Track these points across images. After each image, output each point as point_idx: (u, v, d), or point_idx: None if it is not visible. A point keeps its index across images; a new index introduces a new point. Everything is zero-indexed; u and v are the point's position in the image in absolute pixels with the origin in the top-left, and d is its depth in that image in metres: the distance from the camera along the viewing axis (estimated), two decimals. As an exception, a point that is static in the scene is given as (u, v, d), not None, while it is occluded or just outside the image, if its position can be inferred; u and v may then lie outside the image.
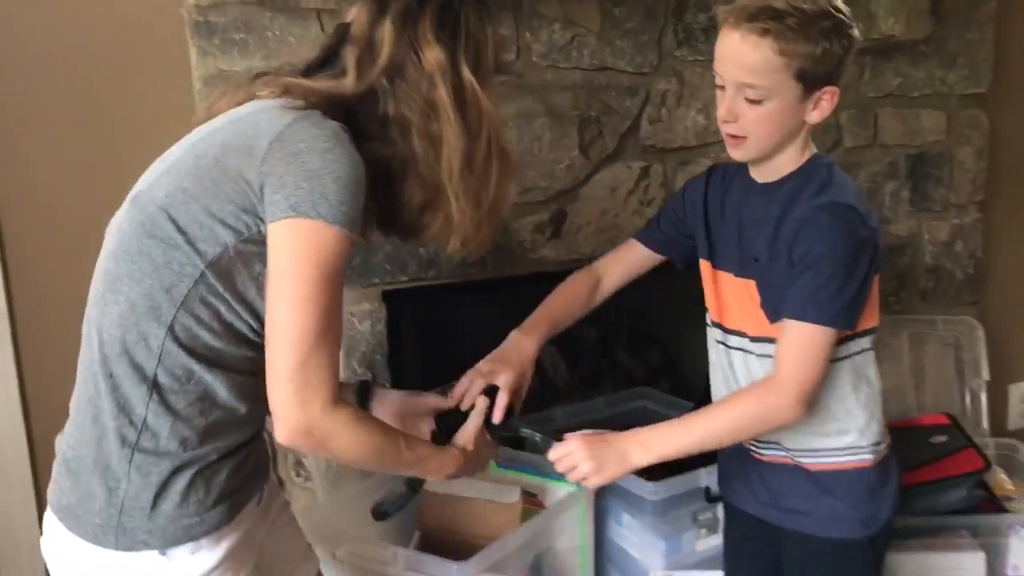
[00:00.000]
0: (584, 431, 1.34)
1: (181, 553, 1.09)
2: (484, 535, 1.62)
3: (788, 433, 1.36)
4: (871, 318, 1.35)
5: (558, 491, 1.80)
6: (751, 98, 1.26)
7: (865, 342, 1.36)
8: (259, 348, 1.07)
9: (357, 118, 1.12)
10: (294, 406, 1.03)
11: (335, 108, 1.11)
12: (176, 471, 1.08)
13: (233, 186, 1.04)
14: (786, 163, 1.34)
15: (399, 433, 1.19)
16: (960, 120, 2.31)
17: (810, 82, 1.26)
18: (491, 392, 1.39)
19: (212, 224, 1.05)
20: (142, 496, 1.07)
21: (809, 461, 1.37)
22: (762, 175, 1.36)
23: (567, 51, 1.94)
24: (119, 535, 1.07)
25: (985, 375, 2.29)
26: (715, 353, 1.46)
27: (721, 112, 1.30)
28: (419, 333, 2.04)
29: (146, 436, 1.07)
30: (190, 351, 1.07)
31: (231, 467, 1.13)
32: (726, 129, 1.32)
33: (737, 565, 1.56)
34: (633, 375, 2.46)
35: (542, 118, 1.94)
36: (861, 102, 2.21)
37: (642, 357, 2.49)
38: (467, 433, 1.32)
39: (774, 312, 1.31)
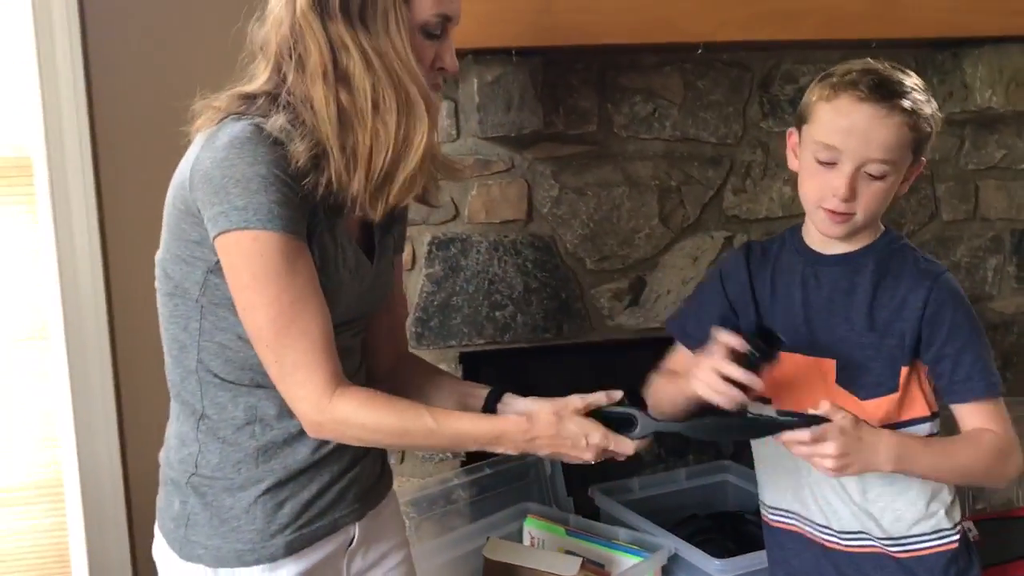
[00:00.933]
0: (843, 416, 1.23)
1: (231, 573, 1.15)
2: (543, 604, 1.62)
3: (879, 520, 1.32)
4: None
5: (625, 562, 1.79)
6: (875, 174, 1.23)
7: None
8: None
9: (283, 104, 1.10)
10: (295, 406, 1.10)
11: (254, 104, 1.11)
12: (231, 495, 1.15)
13: (185, 223, 1.11)
14: (864, 236, 1.31)
15: (422, 407, 1.15)
16: (1070, 193, 2.20)
17: (918, 152, 1.26)
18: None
19: (184, 264, 1.12)
20: (202, 515, 1.16)
21: (897, 549, 1.32)
22: (834, 246, 1.31)
23: (648, 122, 1.97)
24: (183, 544, 1.17)
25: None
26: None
27: (842, 191, 1.23)
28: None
29: (203, 462, 1.16)
30: (223, 378, 1.15)
31: (295, 495, 1.17)
32: (839, 208, 1.25)
33: None
34: (717, 448, 2.41)
35: (621, 187, 1.97)
36: (961, 175, 2.14)
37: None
38: (541, 406, 1.21)
39: (868, 388, 1.29)
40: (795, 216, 2.08)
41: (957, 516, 1.34)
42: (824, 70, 1.86)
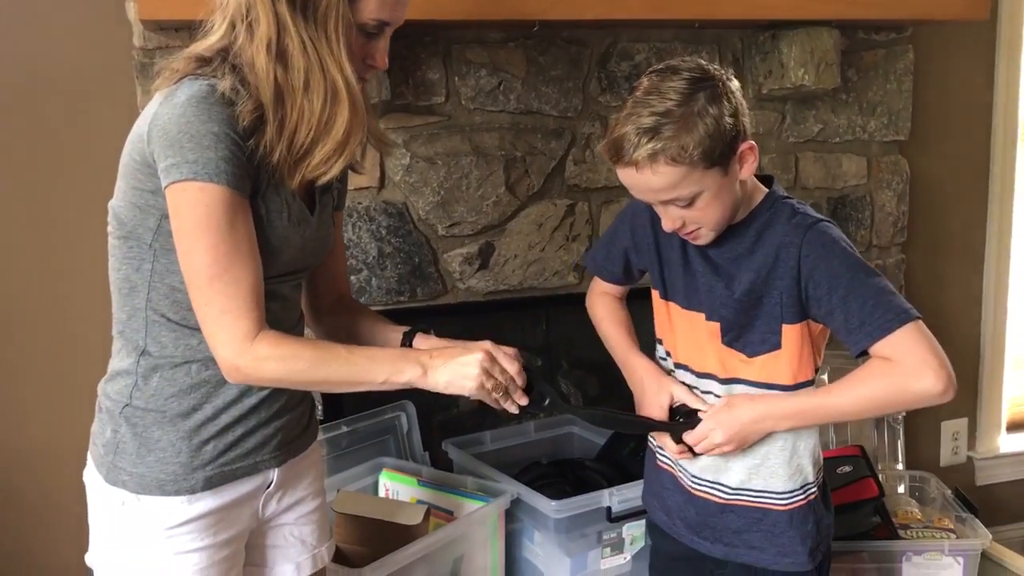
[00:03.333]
0: (710, 405, 1.39)
1: (152, 501, 1.23)
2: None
3: (752, 479, 1.40)
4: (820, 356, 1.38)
5: (471, 507, 1.90)
6: (682, 205, 1.27)
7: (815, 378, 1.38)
8: None
9: (232, 65, 1.19)
10: (217, 350, 1.18)
11: (209, 66, 1.19)
12: (160, 427, 1.23)
13: (142, 173, 1.19)
14: (742, 212, 1.34)
15: (337, 345, 1.24)
16: (881, 165, 2.42)
17: (722, 159, 1.24)
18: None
19: (139, 211, 1.20)
20: (131, 444, 1.24)
21: (770, 503, 1.39)
22: None
23: (494, 95, 2.07)
24: (109, 469, 1.24)
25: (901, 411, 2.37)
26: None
27: (666, 225, 1.32)
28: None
29: (137, 394, 1.24)
30: (169, 319, 1.23)
31: (221, 435, 1.25)
32: (679, 233, 1.32)
33: None
34: (571, 403, 2.56)
35: (470, 157, 2.07)
36: (783, 147, 2.32)
37: (580, 384, 2.59)
38: (448, 346, 1.32)
39: (755, 346, 1.35)
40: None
41: (819, 469, 1.41)
42: (657, 48, 1.98)
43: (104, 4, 1.90)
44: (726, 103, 1.25)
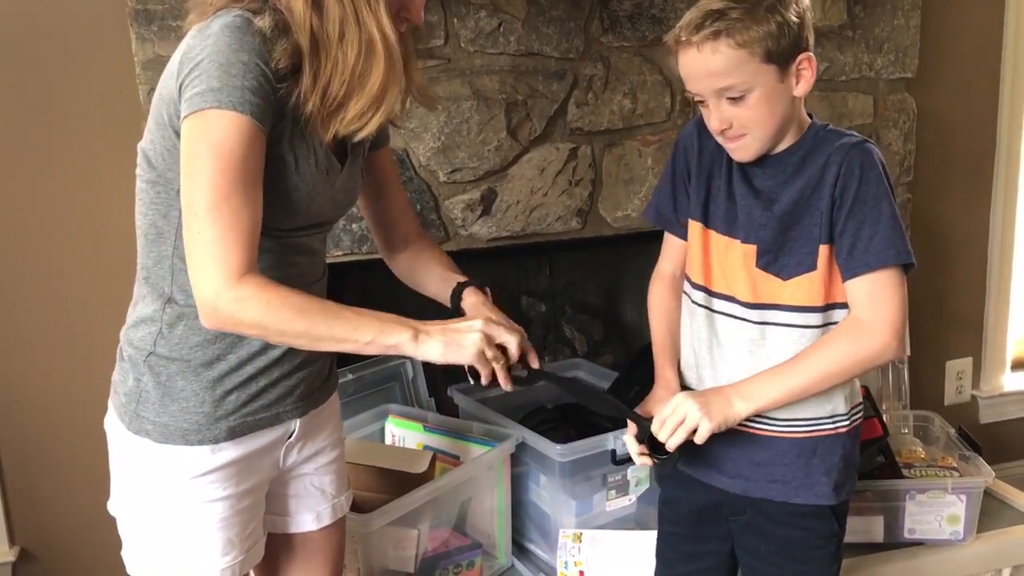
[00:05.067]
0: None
1: (175, 450, 1.23)
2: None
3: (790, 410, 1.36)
4: None
5: (477, 452, 1.92)
6: (733, 97, 1.28)
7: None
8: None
9: (271, 7, 1.17)
10: (199, 287, 1.12)
11: (244, 1, 1.16)
12: (183, 377, 1.23)
13: (173, 111, 1.16)
14: (790, 139, 1.34)
15: (327, 300, 1.21)
16: (887, 104, 2.39)
17: (780, 59, 1.27)
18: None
19: (169, 155, 1.17)
20: (154, 392, 1.23)
21: (793, 431, 1.38)
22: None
23: (494, 37, 2.04)
24: (132, 418, 1.24)
25: (906, 350, 2.37)
26: (695, 320, 1.44)
27: (713, 125, 1.32)
28: (362, 302, 2.15)
29: (161, 342, 1.23)
30: None
31: (244, 386, 1.25)
32: (723, 138, 1.33)
33: (686, 554, 1.52)
34: (575, 348, 2.57)
35: (470, 101, 2.04)
36: (788, 86, 2.29)
37: (584, 329, 2.59)
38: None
39: (789, 268, 1.33)
40: (635, 127, 2.21)
41: (853, 402, 1.39)
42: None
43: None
44: (794, 6, 1.29)
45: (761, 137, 1.32)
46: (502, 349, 1.25)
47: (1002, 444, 2.81)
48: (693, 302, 1.44)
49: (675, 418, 1.32)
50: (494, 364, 1.23)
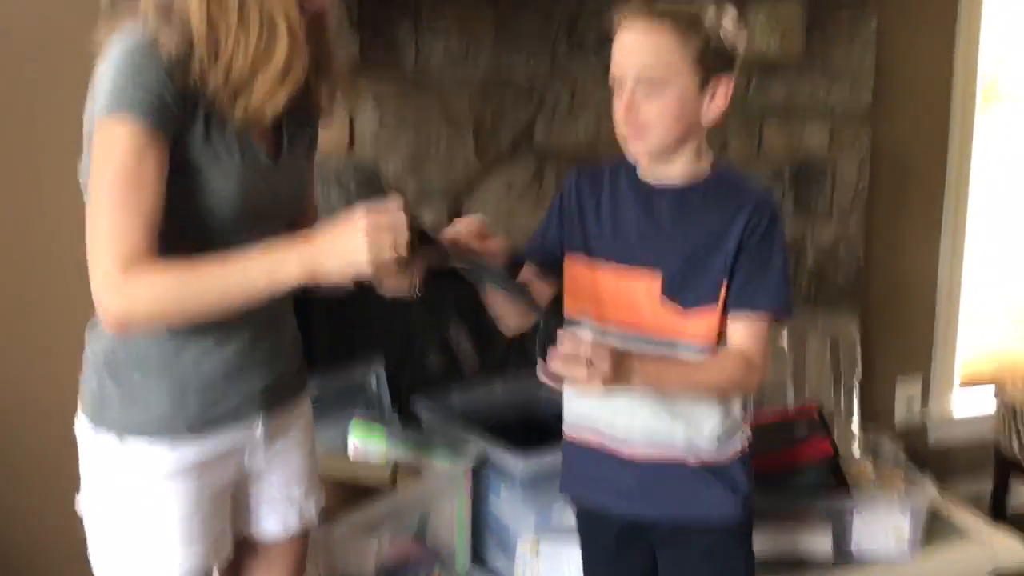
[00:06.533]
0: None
1: (138, 447, 1.25)
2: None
3: (680, 427, 1.40)
4: None
5: (439, 464, 1.95)
6: (651, 86, 1.31)
7: None
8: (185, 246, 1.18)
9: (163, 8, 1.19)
10: (96, 285, 1.15)
11: (145, 15, 1.19)
12: (143, 375, 1.25)
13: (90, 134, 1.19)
14: (688, 165, 1.38)
15: (209, 261, 1.17)
16: (843, 133, 2.47)
17: (705, 68, 1.32)
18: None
19: None
20: (115, 392, 1.25)
21: (698, 454, 1.41)
22: (661, 176, 1.40)
23: (463, 57, 2.08)
24: (96, 418, 1.28)
25: (858, 372, 2.45)
26: None
27: (620, 109, 1.34)
28: (327, 312, 2.16)
29: (119, 346, 1.25)
30: None
31: (201, 382, 1.26)
32: (627, 123, 1.34)
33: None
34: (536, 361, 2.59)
35: (439, 119, 2.08)
36: (748, 113, 2.36)
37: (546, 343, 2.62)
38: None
39: (689, 299, 1.38)
40: (601, 146, 2.26)
41: (745, 419, 1.46)
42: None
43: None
44: (735, 31, 1.36)
45: (662, 137, 1.35)
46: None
47: (950, 463, 2.89)
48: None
49: (576, 358, 1.23)
50: (395, 258, 1.13)
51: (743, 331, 1.38)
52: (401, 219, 1.15)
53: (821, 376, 2.47)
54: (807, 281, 2.52)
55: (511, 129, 2.16)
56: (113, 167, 1.14)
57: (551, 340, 1.24)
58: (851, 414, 2.43)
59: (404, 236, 1.14)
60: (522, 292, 1.36)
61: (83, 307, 1.36)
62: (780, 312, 1.40)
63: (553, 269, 1.49)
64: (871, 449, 2.32)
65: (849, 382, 2.45)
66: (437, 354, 2.29)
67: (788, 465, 2.03)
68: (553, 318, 1.34)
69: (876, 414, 2.75)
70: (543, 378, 1.27)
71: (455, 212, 2.15)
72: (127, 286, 1.14)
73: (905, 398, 2.85)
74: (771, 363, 2.07)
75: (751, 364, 1.38)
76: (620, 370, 1.26)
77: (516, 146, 2.17)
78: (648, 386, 1.34)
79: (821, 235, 2.51)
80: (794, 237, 2.47)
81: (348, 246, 1.14)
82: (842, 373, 2.46)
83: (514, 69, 2.13)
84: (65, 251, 1.94)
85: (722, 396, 1.41)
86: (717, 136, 2.29)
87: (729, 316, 1.38)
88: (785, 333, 2.42)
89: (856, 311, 2.57)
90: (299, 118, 1.33)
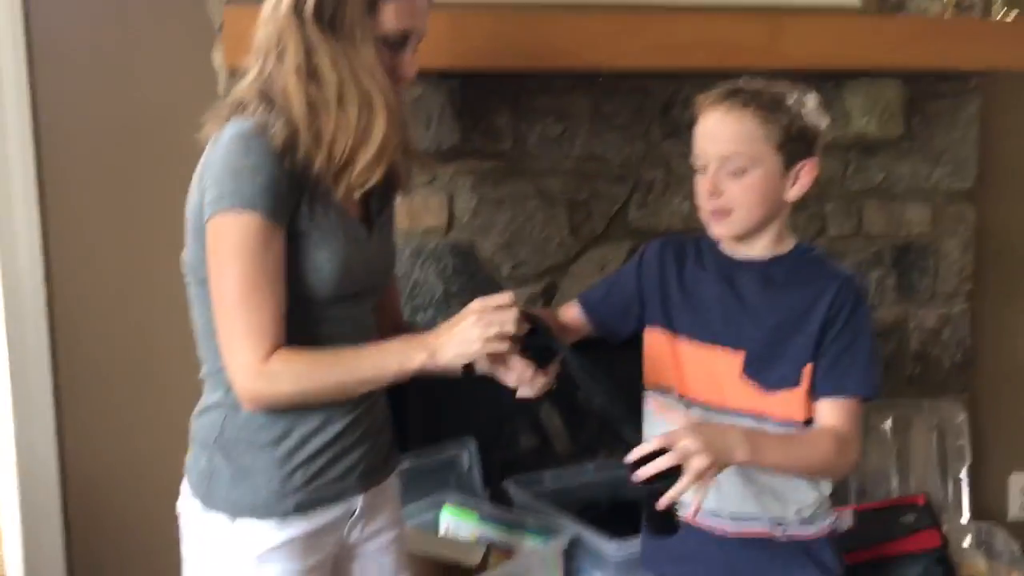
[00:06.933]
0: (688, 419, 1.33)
1: (246, 525, 1.29)
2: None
3: (773, 501, 1.40)
4: None
5: (531, 545, 1.93)
6: (734, 168, 1.34)
7: None
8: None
9: (266, 97, 1.26)
10: (234, 375, 1.23)
11: (247, 106, 1.26)
12: (252, 455, 1.29)
13: (199, 219, 1.25)
14: (770, 244, 1.41)
15: (342, 348, 1.26)
16: (946, 214, 2.41)
17: (789, 153, 1.35)
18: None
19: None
20: (226, 471, 1.30)
21: (786, 530, 1.40)
22: (747, 253, 1.42)
23: (559, 141, 2.13)
24: (205, 496, 1.32)
25: (967, 460, 2.34)
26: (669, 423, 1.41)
27: (705, 188, 1.37)
28: (422, 391, 2.19)
29: (228, 424, 1.30)
30: None
31: (309, 462, 1.30)
32: (710, 206, 1.37)
33: None
34: (632, 445, 2.56)
35: (535, 200, 2.13)
36: (846, 195, 2.33)
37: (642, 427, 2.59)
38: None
39: (772, 379, 1.37)
40: (693, 229, 2.25)
41: (830, 496, 1.44)
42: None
43: (191, 54, 2.00)
44: (815, 118, 1.39)
45: (745, 219, 1.37)
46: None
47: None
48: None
49: (669, 441, 1.19)
50: (502, 346, 1.22)
51: (834, 413, 1.36)
52: (512, 313, 1.24)
53: (927, 464, 2.37)
54: (911, 365, 2.44)
55: (605, 210, 2.18)
56: (240, 262, 1.20)
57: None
58: (960, 506, 2.31)
59: (511, 328, 1.23)
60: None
61: (185, 391, 1.44)
62: (868, 395, 1.38)
63: (594, 322, 1.53)
64: (983, 544, 2.21)
65: (957, 472, 2.34)
66: (529, 434, 2.29)
67: (894, 555, 1.95)
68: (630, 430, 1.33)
69: (987, 507, 2.61)
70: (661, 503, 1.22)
71: (550, 291, 2.17)
72: (269, 372, 1.22)
73: (1019, 491, 2.70)
74: (874, 449, 2.03)
75: (845, 444, 1.35)
76: (720, 444, 1.23)
77: (610, 226, 2.19)
78: (751, 461, 1.28)
79: (925, 317, 2.44)
80: (897, 319, 2.41)
81: (463, 335, 1.23)
82: (949, 462, 2.36)
83: (608, 151, 2.17)
84: (168, 335, 2.06)
85: (816, 475, 1.39)
86: (815, 219, 2.30)
87: (818, 400, 1.37)
88: (890, 420, 2.34)
89: (964, 398, 2.47)
90: (382, 191, 1.38)
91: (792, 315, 1.37)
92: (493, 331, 1.22)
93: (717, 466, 1.22)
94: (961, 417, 2.34)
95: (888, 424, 2.35)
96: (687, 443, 1.19)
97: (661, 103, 2.18)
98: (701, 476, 1.19)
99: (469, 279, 2.12)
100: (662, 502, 1.21)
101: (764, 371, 1.38)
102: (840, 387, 1.36)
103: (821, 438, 1.36)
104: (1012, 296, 2.60)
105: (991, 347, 2.55)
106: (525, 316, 1.27)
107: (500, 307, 1.25)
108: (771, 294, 1.40)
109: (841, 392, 1.36)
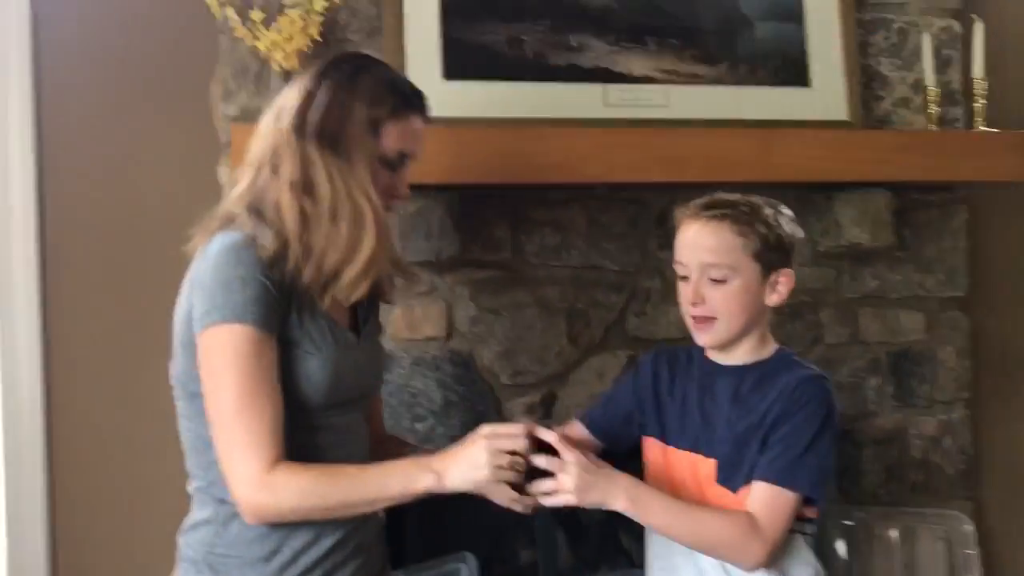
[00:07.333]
0: (586, 456, 1.37)
1: None
2: None
3: None
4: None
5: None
6: (715, 278, 1.41)
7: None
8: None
9: (257, 209, 1.29)
10: (235, 487, 1.21)
11: (236, 218, 1.29)
12: (241, 571, 1.28)
13: (188, 332, 1.27)
14: (751, 350, 1.47)
15: (347, 466, 1.28)
16: (940, 320, 2.43)
17: (766, 263, 1.42)
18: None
19: (197, 369, 1.27)
20: None
21: None
22: (729, 359, 1.48)
23: (557, 251, 2.17)
24: None
25: (978, 571, 2.29)
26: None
27: (688, 295, 1.45)
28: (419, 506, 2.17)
29: (219, 541, 1.29)
30: None
31: (297, 574, 1.28)
32: (693, 312, 1.45)
33: None
34: (632, 557, 2.52)
35: (533, 309, 2.15)
36: (841, 302, 2.36)
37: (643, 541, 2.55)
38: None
39: (738, 482, 1.40)
40: (690, 337, 2.27)
41: None
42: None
43: (196, 168, 2.05)
44: (788, 230, 1.46)
45: (728, 327, 1.43)
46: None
47: None
48: None
49: (557, 483, 1.31)
50: (512, 476, 1.26)
51: (756, 497, 1.38)
52: (522, 443, 1.27)
53: (936, 573, 2.32)
54: (913, 472, 2.42)
55: (603, 318, 2.20)
56: (236, 373, 1.20)
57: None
58: (973, 613, 2.25)
59: (522, 461, 1.27)
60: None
61: (173, 506, 1.43)
62: (799, 491, 1.37)
63: (598, 436, 1.58)
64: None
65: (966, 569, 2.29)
66: (528, 550, 2.25)
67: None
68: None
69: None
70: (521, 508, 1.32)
71: (549, 401, 2.17)
72: (272, 484, 1.21)
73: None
74: (881, 558, 1.99)
75: (755, 530, 1.36)
76: (596, 492, 1.32)
77: (608, 335, 2.21)
78: (632, 513, 1.35)
79: (925, 424, 2.43)
80: (897, 426, 2.40)
81: (472, 461, 1.26)
82: (958, 573, 2.30)
83: (606, 261, 2.20)
84: (157, 450, 2.05)
85: (715, 553, 1.39)
86: (812, 327, 2.31)
87: (753, 482, 1.38)
88: (896, 531, 2.30)
89: (970, 505, 2.44)
90: (368, 300, 1.41)
91: (756, 419, 1.41)
92: (505, 461, 1.26)
93: (582, 501, 1.33)
94: (968, 526, 2.30)
95: (895, 534, 2.31)
96: (566, 479, 1.31)
97: (656, 213, 2.23)
98: (558, 496, 1.31)
99: (469, 388, 2.12)
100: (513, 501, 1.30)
101: (733, 477, 1.41)
102: (767, 474, 1.38)
103: (729, 517, 1.38)
104: (1011, 402, 2.60)
105: (994, 453, 2.53)
106: (534, 441, 1.31)
107: (510, 435, 1.28)
108: (742, 399, 1.44)
109: (767, 478, 1.38)
